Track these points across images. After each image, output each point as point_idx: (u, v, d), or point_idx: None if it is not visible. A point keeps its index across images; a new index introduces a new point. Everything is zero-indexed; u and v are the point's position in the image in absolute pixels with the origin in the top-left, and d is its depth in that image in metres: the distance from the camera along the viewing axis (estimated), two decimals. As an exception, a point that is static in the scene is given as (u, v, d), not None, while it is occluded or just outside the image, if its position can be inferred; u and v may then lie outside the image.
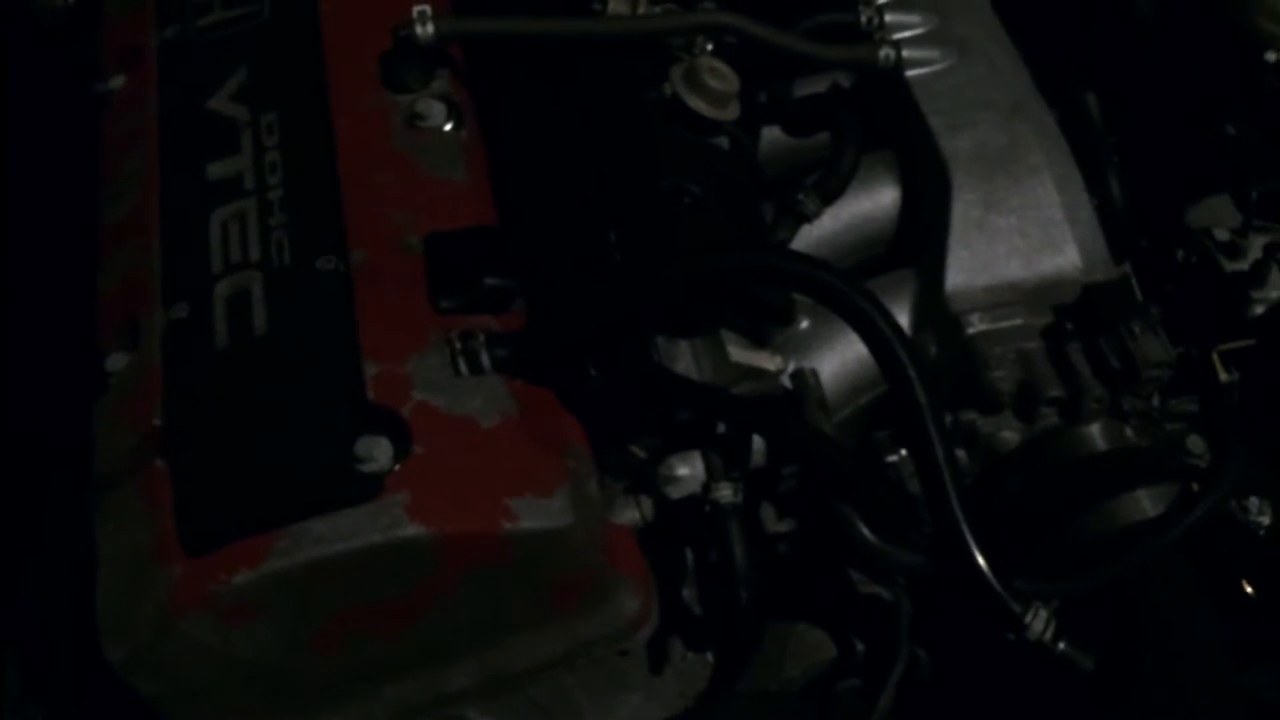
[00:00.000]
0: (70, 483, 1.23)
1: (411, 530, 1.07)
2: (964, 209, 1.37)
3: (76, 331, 1.31)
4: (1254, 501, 1.25)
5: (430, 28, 1.32)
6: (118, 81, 1.45)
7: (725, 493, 1.20)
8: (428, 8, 1.34)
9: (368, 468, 1.09)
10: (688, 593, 1.27)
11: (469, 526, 1.10)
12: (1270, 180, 1.51)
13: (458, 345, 1.17)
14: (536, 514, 1.11)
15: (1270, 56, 1.51)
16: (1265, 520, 1.25)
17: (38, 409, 1.40)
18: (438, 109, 1.34)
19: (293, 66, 1.38)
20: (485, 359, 1.16)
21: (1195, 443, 1.32)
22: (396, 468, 1.09)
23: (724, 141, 1.40)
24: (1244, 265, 1.46)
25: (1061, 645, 1.14)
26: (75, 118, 1.49)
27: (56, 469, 1.33)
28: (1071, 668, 1.14)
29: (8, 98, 1.66)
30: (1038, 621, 1.13)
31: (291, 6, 1.42)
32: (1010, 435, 1.34)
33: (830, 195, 1.40)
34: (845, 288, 1.17)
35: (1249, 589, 1.27)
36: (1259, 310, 1.44)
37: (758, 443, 1.26)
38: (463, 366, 1.16)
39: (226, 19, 1.43)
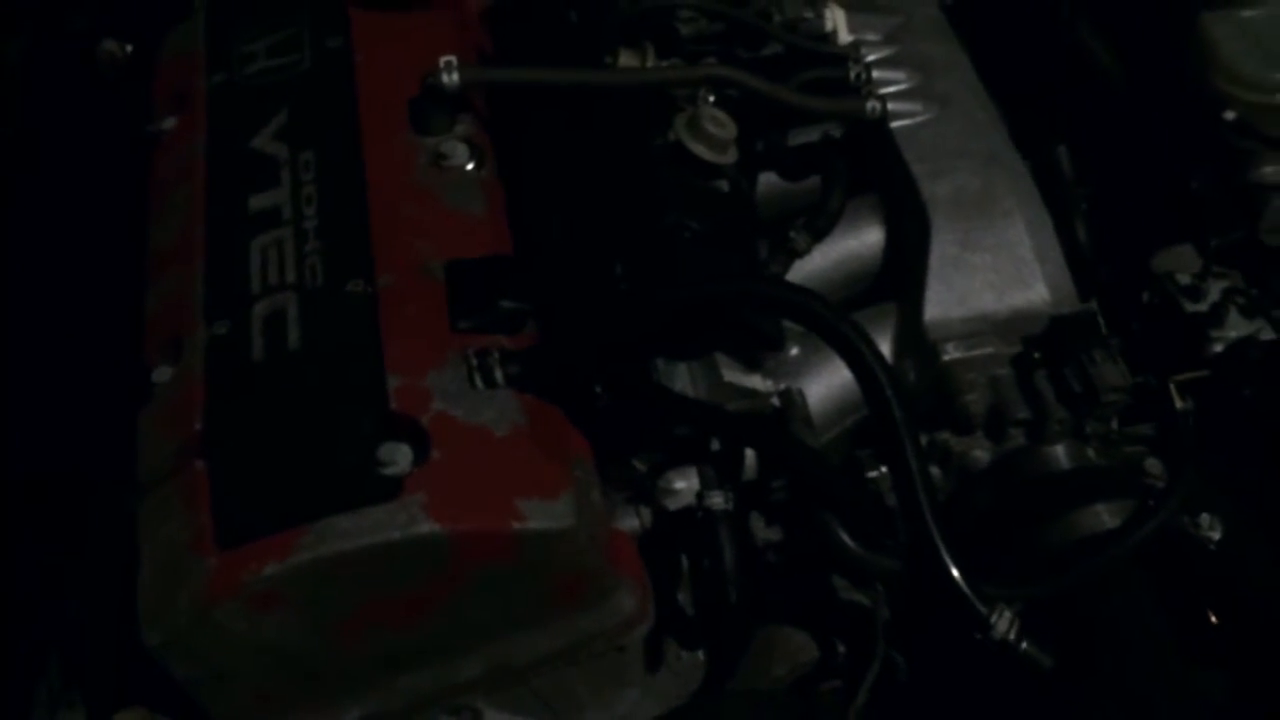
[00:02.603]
0: (112, 485, 1.24)
1: (428, 527, 1.08)
2: (942, 248, 1.39)
3: (125, 346, 1.32)
4: (1205, 518, 1.26)
5: (455, 76, 1.34)
6: (169, 122, 1.47)
7: (717, 501, 1.21)
8: (454, 58, 1.35)
9: (389, 470, 1.10)
10: (682, 596, 1.28)
11: (480, 525, 1.11)
12: (1229, 230, 1.51)
13: (474, 361, 1.18)
14: (543, 515, 1.12)
15: (1229, 115, 1.51)
16: (1215, 535, 1.25)
17: (86, 417, 1.41)
18: (460, 150, 1.36)
19: (329, 110, 1.40)
20: (499, 374, 1.18)
21: (1153, 464, 1.33)
22: (415, 471, 1.11)
23: (723, 184, 1.41)
24: (1204, 307, 1.47)
25: (1023, 645, 1.14)
26: (129, 155, 1.50)
27: (100, 472, 1.34)
28: (1032, 666, 1.15)
29: (70, 136, 1.68)
30: (1002, 622, 1.14)
31: (329, 57, 1.45)
32: (981, 454, 1.35)
33: (819, 233, 1.41)
34: (831, 315, 1.19)
35: (1213, 618, 1.28)
36: (1217, 348, 1.45)
37: (749, 457, 1.27)
38: (478, 380, 1.17)
39: (270, 67, 1.45)
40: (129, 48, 1.66)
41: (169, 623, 1.09)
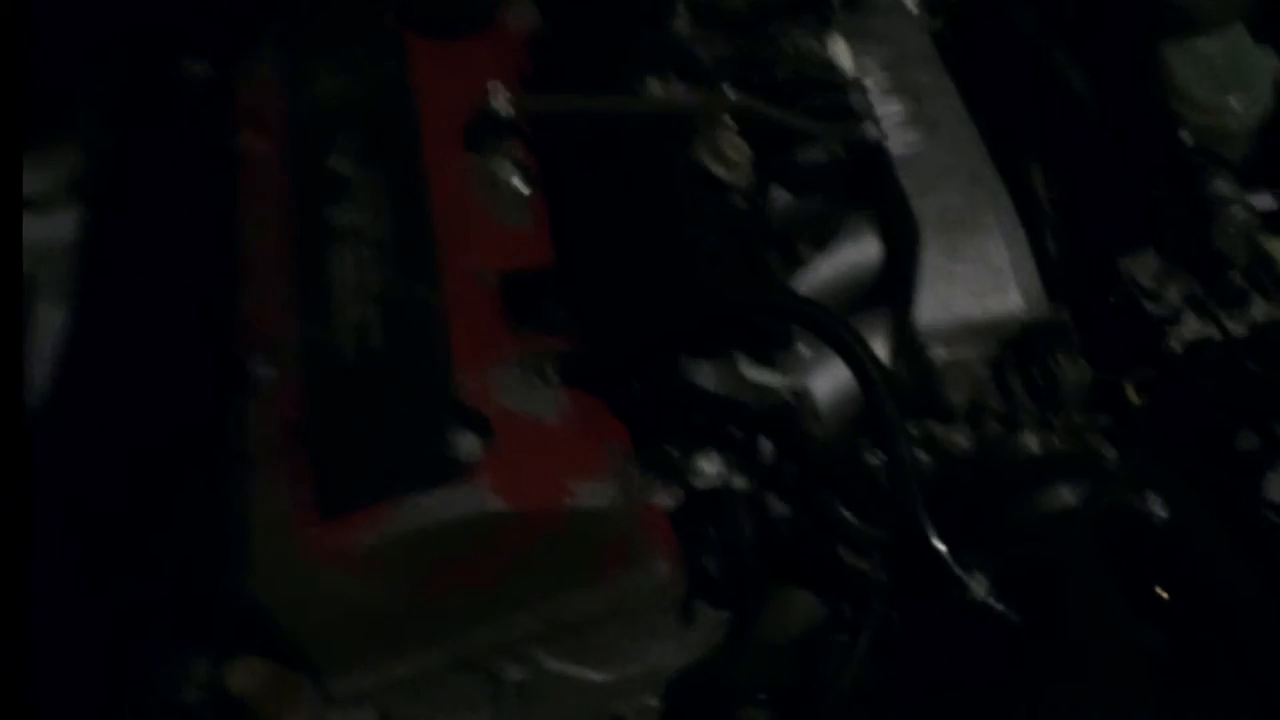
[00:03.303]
0: (214, 461, 1.33)
1: (492, 504, 1.18)
2: (929, 259, 1.43)
3: (224, 348, 1.39)
4: (1153, 497, 1.30)
5: (506, 103, 1.41)
6: (251, 140, 1.52)
7: (738, 482, 1.30)
8: (504, 87, 1.42)
9: (459, 455, 1.18)
10: (709, 562, 1.34)
11: (537, 502, 1.20)
12: (1186, 237, 1.54)
13: (528, 360, 1.27)
14: (590, 494, 1.21)
15: (1185, 134, 1.57)
16: (1162, 513, 1.30)
17: (192, 410, 1.46)
18: (510, 169, 1.43)
19: (394, 133, 1.45)
20: (550, 372, 1.26)
21: (1109, 451, 1.37)
22: (482, 455, 1.19)
23: (738, 200, 1.46)
24: (1163, 309, 1.52)
25: (996, 604, 1.21)
26: (212, 166, 1.56)
27: (199, 450, 1.39)
28: (1003, 623, 1.21)
29: (158, 152, 1.72)
30: (977, 585, 1.21)
31: (393, 84, 1.50)
32: (962, 441, 1.41)
33: (822, 244, 1.46)
34: (830, 322, 1.26)
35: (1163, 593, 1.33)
36: (1175, 345, 1.50)
37: (765, 444, 1.34)
38: (533, 377, 1.26)
39: (336, 91, 1.50)
40: (209, 69, 1.71)
41: (277, 583, 1.19)
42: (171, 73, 1.71)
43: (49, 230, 1.82)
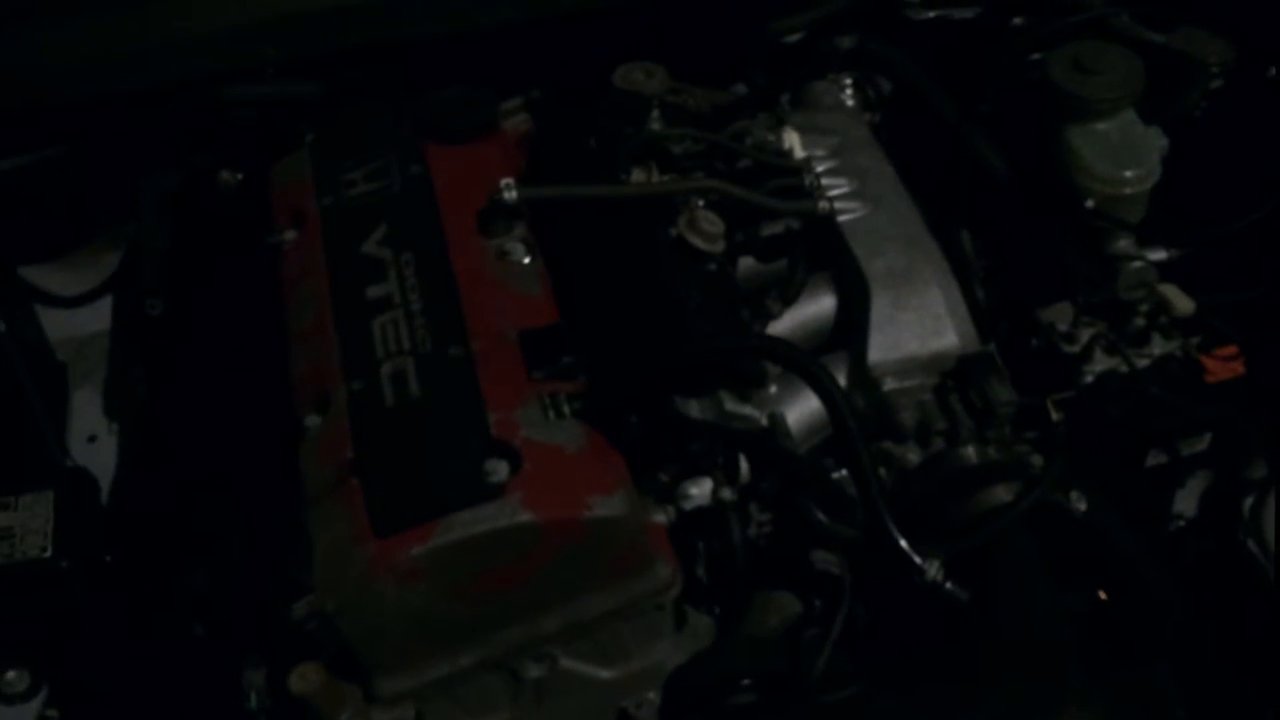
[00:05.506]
0: (272, 499, 1.46)
1: (524, 517, 1.29)
2: (879, 309, 1.57)
3: (275, 404, 1.53)
4: (1074, 494, 1.45)
5: (514, 193, 1.56)
6: (290, 235, 1.69)
7: (726, 493, 1.41)
8: (511, 180, 1.56)
9: (493, 479, 1.31)
10: (699, 570, 1.45)
11: (561, 514, 1.31)
12: (1095, 290, 1.71)
13: (546, 400, 1.40)
14: (605, 506, 1.32)
15: (1089, 203, 1.72)
16: (1081, 506, 1.45)
17: (249, 457, 1.60)
18: (519, 248, 1.58)
19: (419, 221, 1.60)
20: (566, 409, 1.39)
21: (1036, 459, 1.50)
22: (512, 479, 1.31)
23: (714, 266, 1.58)
24: (1076, 349, 1.66)
25: (948, 585, 1.34)
26: (248, 259, 1.73)
27: (261, 491, 1.51)
28: (953, 600, 1.34)
29: (198, 248, 1.89)
30: (932, 569, 1.34)
31: (414, 180, 1.67)
32: (913, 456, 1.53)
33: (788, 301, 1.60)
34: (805, 360, 1.40)
35: (1103, 596, 1.46)
36: (1087, 379, 1.65)
37: (744, 466, 1.45)
38: (551, 414, 1.39)
39: (369, 190, 1.68)
40: (239, 176, 1.90)
41: (340, 594, 1.30)
42: (211, 182, 1.89)
43: (84, 324, 2.05)
